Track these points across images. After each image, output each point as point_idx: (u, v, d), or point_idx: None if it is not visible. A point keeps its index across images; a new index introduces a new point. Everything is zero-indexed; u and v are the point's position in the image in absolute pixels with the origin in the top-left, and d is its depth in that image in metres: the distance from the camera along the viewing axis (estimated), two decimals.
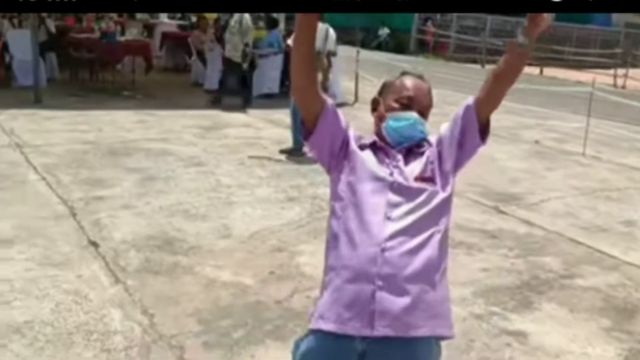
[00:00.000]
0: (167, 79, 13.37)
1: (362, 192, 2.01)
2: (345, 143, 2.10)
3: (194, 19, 17.06)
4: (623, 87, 20.80)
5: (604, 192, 7.03)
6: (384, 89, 2.22)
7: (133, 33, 13.06)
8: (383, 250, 1.91)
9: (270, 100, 11.44)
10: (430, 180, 2.05)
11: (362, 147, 2.12)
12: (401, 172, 2.04)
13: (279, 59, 11.71)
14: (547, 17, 1.92)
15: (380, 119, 2.18)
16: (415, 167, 2.07)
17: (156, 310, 3.64)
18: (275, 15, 13.91)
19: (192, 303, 3.78)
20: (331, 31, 8.50)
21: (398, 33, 27.91)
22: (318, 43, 7.83)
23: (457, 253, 4.94)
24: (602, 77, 21.90)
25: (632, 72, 21.74)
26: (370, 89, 14.19)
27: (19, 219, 4.93)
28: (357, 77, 12.38)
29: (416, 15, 27.36)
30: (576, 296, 4.35)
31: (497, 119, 9.27)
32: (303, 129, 2.10)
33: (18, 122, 8.35)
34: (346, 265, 1.96)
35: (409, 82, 2.18)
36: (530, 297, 4.28)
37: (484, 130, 2.08)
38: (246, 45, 10.39)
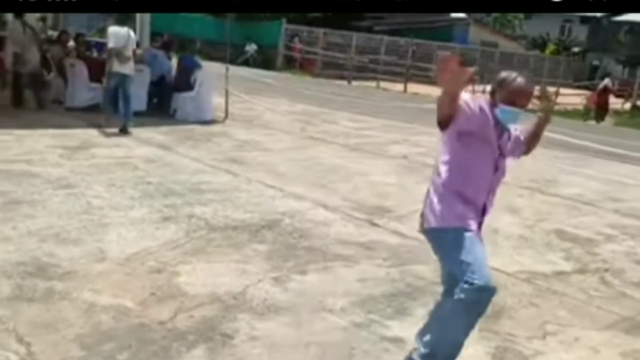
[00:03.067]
0: (25, 96, 12.71)
1: None
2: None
3: (50, 32, 16.42)
4: None
5: None
6: (502, 83, 3.20)
7: None
8: None
9: (138, 118, 11.18)
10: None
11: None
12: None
13: (145, 77, 11.50)
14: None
15: (494, 104, 3.20)
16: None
17: (33, 339, 3.49)
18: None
19: (72, 329, 3.66)
20: (132, 34, 10.03)
21: (266, 49, 28.18)
22: (121, 43, 9.62)
23: (335, 266, 5.11)
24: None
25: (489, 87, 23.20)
26: (239, 106, 14.28)
27: None
28: (227, 94, 12.39)
29: (283, 31, 27.76)
30: None
31: (367, 135, 9.71)
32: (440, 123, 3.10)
33: None
34: None
35: (518, 85, 3.16)
36: (405, 303, 4.50)
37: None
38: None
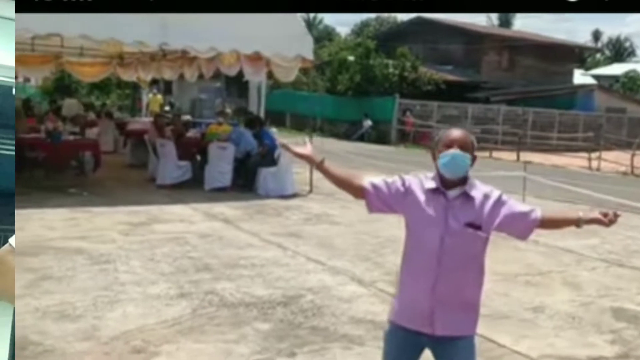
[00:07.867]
0: (126, 175, 13.39)
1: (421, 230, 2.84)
2: (400, 200, 2.90)
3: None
4: (598, 169, 20.73)
5: (525, 277, 6.75)
6: (438, 141, 2.88)
7: (73, 109, 13.04)
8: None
9: (222, 193, 11.35)
10: (479, 227, 2.77)
11: (425, 192, 2.84)
12: (455, 216, 2.77)
13: (229, 154, 11.72)
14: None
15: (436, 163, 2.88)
16: (468, 214, 2.78)
17: None
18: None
19: None
20: None
21: (380, 124, 28.19)
22: None
23: (333, 347, 4.68)
24: (579, 160, 21.90)
25: (610, 155, 21.66)
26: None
27: None
28: (311, 168, 12.28)
29: (396, 106, 27.69)
30: None
31: None
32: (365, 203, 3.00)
33: None
34: None
35: (450, 132, 2.88)
36: None
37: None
38: None
